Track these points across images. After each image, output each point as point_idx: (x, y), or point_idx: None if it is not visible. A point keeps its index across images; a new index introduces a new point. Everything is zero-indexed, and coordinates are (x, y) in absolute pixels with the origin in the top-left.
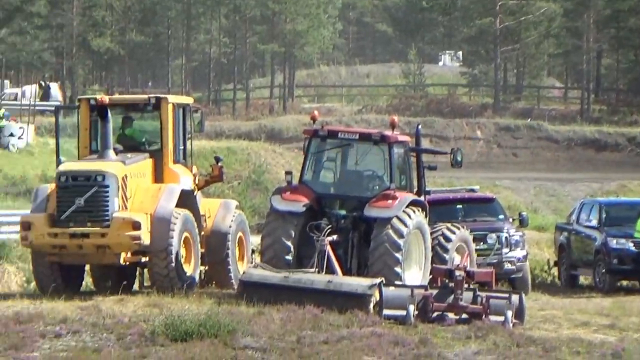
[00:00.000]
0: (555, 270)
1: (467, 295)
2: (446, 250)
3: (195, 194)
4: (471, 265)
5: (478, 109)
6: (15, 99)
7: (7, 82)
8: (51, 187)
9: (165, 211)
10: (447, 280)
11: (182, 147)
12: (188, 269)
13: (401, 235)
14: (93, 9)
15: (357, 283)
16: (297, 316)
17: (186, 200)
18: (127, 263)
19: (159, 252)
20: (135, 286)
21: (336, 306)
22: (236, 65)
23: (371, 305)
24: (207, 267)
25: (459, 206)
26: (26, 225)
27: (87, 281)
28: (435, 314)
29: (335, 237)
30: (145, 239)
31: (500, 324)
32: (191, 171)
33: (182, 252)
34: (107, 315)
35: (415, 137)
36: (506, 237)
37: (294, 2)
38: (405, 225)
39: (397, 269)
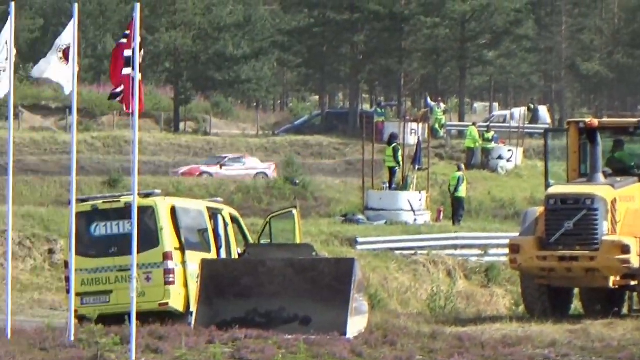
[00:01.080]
0: None
1: None
2: None
3: None
4: None
5: None
6: (504, 122)
7: (496, 104)
8: (540, 210)
9: None
10: None
11: None
12: None
13: None
14: (582, 32)
15: None
16: None
17: None
18: (617, 286)
19: None
20: (625, 310)
21: None
22: None
23: None
24: None
25: None
26: (515, 248)
27: (576, 305)
28: None
29: None
30: (635, 263)
31: None
32: None
33: None
34: (596, 338)
35: None
36: None
37: None
38: None
39: None
